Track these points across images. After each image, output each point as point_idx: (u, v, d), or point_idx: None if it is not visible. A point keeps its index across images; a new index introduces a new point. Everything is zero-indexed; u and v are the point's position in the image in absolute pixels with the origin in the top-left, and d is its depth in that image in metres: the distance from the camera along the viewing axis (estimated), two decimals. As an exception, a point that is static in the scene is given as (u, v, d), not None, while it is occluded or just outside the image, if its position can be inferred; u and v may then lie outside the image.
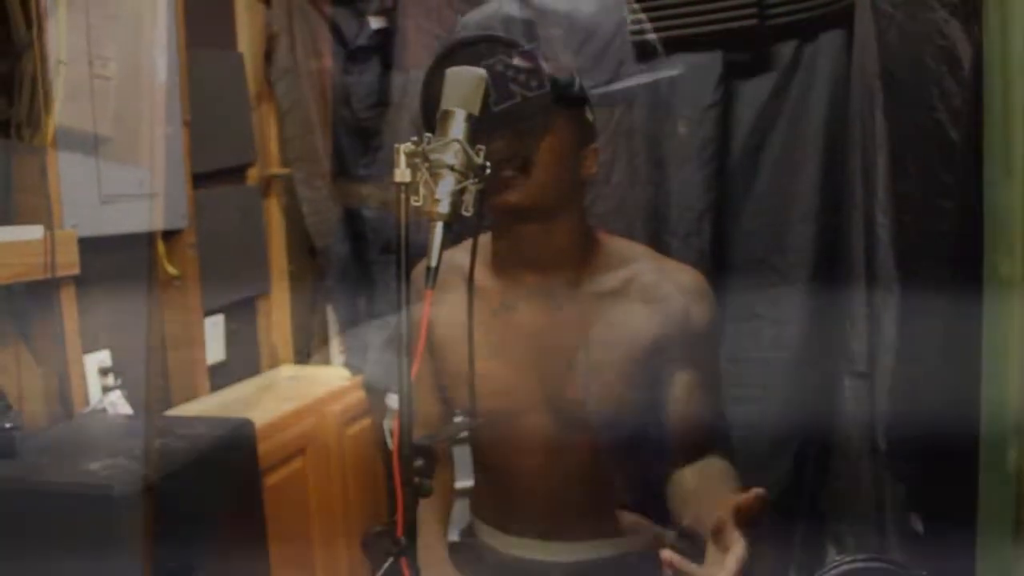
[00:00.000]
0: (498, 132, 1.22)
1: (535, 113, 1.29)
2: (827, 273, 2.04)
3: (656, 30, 2.15)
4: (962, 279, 1.03)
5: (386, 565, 1.07)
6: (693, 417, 1.44)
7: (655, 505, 1.51)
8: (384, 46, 2.53)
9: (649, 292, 1.42)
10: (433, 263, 1.05)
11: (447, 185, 1.05)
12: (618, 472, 1.49)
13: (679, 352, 1.42)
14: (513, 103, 1.26)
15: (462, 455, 1.66)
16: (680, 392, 1.43)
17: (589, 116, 1.43)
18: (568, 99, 1.37)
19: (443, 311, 1.46)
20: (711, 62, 2.12)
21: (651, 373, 1.42)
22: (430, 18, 2.41)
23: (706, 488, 1.37)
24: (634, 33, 2.15)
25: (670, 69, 2.12)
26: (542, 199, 1.36)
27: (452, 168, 1.06)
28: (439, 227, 1.05)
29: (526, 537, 1.51)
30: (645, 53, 2.16)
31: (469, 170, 1.07)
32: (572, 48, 2.18)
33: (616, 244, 1.49)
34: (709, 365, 1.48)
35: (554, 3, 2.21)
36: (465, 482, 1.68)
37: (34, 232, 1.74)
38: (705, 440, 1.45)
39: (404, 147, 1.05)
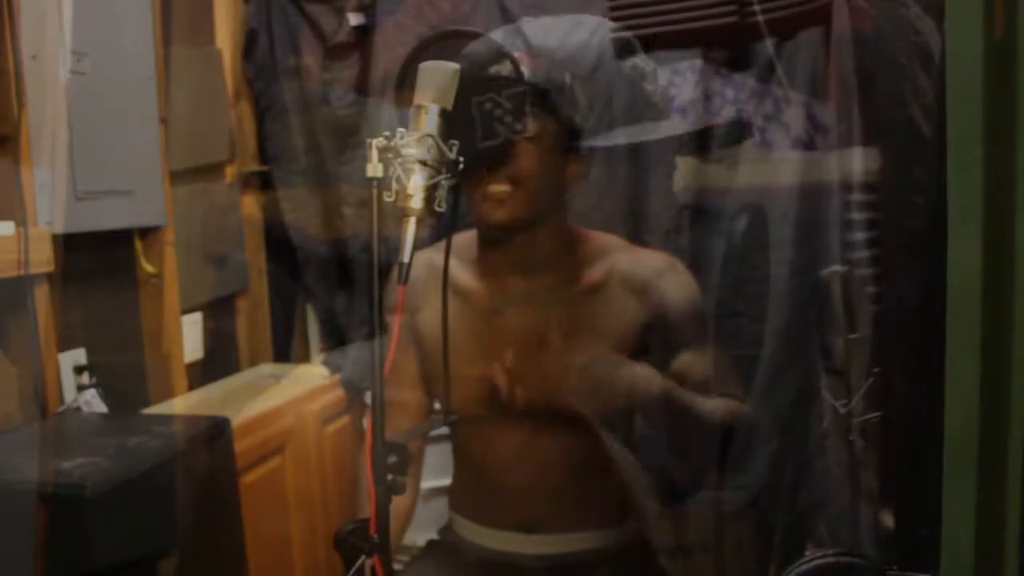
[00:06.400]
0: (484, 147, 1.23)
1: (516, 121, 1.29)
2: (805, 270, 2.05)
3: (635, 27, 2.15)
4: (934, 275, 1.04)
5: (359, 563, 1.07)
6: (703, 383, 1.44)
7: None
8: (363, 43, 2.52)
9: (628, 282, 1.44)
10: (406, 259, 1.05)
11: (419, 180, 1.06)
12: (602, 464, 1.49)
13: (672, 333, 1.42)
14: (499, 131, 1.27)
15: (438, 454, 1.66)
16: (685, 365, 1.43)
17: (578, 121, 1.44)
18: (555, 105, 1.38)
19: (427, 312, 1.47)
20: (690, 59, 2.12)
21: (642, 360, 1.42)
22: (409, 14, 2.41)
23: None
24: (614, 31, 2.15)
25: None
26: (531, 211, 1.38)
27: (424, 163, 1.06)
28: (412, 222, 1.06)
29: (508, 531, 1.51)
30: (624, 51, 2.16)
31: (442, 165, 1.07)
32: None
33: (593, 238, 1.50)
34: (703, 338, 1.47)
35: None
36: (440, 481, 1.68)
37: (6, 228, 1.72)
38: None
39: (376, 142, 1.06)
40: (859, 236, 1.71)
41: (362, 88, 2.50)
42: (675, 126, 2.14)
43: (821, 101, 2.00)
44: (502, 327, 1.46)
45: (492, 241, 1.45)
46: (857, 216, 1.69)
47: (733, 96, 2.15)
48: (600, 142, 2.14)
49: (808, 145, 2.05)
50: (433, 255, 1.47)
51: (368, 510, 1.04)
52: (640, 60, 2.11)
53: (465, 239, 1.48)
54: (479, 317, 1.46)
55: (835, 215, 1.87)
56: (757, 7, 2.05)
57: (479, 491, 1.55)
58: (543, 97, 1.36)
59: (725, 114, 2.12)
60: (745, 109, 2.08)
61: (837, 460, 1.85)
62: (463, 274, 1.47)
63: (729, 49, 2.14)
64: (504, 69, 1.29)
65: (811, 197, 2.04)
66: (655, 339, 1.43)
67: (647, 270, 1.45)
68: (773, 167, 2.09)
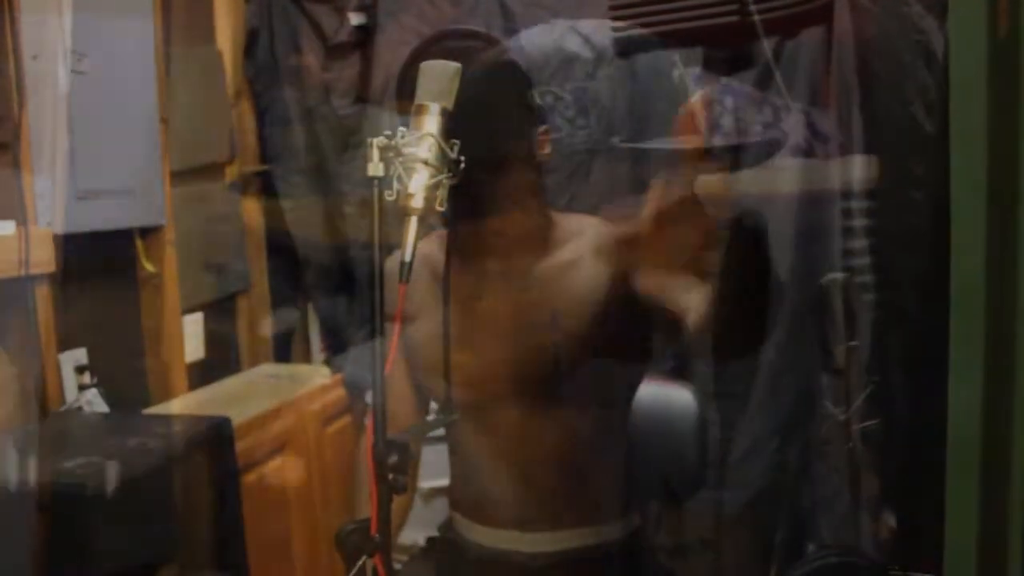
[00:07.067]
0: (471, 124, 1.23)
1: (513, 108, 1.30)
2: (807, 270, 2.04)
3: (636, 26, 2.14)
4: (935, 275, 1.04)
5: (360, 562, 1.06)
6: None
7: (631, 489, 1.52)
8: (364, 42, 2.52)
9: (600, 248, 1.42)
10: (407, 258, 1.05)
11: (421, 179, 1.05)
12: (597, 455, 1.49)
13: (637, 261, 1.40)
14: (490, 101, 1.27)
15: (435, 454, 1.66)
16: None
17: (536, 99, 1.46)
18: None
19: (413, 304, 1.46)
20: (691, 58, 2.12)
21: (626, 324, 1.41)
22: (410, 14, 2.41)
23: None
24: (615, 30, 2.14)
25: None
26: (505, 177, 1.37)
27: (426, 162, 1.06)
28: (413, 221, 1.05)
29: (506, 528, 1.50)
30: (625, 49, 2.16)
31: (443, 164, 1.07)
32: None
33: (570, 219, 1.49)
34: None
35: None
36: (438, 481, 1.68)
37: (6, 228, 1.72)
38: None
39: (377, 141, 1.05)
40: (859, 243, 1.71)
41: (363, 87, 2.51)
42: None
43: (821, 106, 2.00)
44: (480, 313, 1.45)
45: (466, 219, 1.44)
46: (857, 223, 1.69)
47: (732, 104, 2.15)
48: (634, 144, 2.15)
49: (808, 152, 2.05)
50: (423, 247, 1.46)
51: (368, 509, 1.03)
52: (684, 72, 2.12)
53: (442, 230, 1.48)
54: (458, 304, 1.46)
55: (835, 222, 1.87)
56: (759, 6, 2.05)
57: (476, 489, 1.55)
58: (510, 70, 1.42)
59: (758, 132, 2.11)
60: (778, 126, 2.07)
61: (837, 463, 1.85)
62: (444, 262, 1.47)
63: (729, 51, 2.13)
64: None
65: (811, 204, 2.04)
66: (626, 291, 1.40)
67: (617, 232, 1.43)
68: (773, 174, 2.09)
